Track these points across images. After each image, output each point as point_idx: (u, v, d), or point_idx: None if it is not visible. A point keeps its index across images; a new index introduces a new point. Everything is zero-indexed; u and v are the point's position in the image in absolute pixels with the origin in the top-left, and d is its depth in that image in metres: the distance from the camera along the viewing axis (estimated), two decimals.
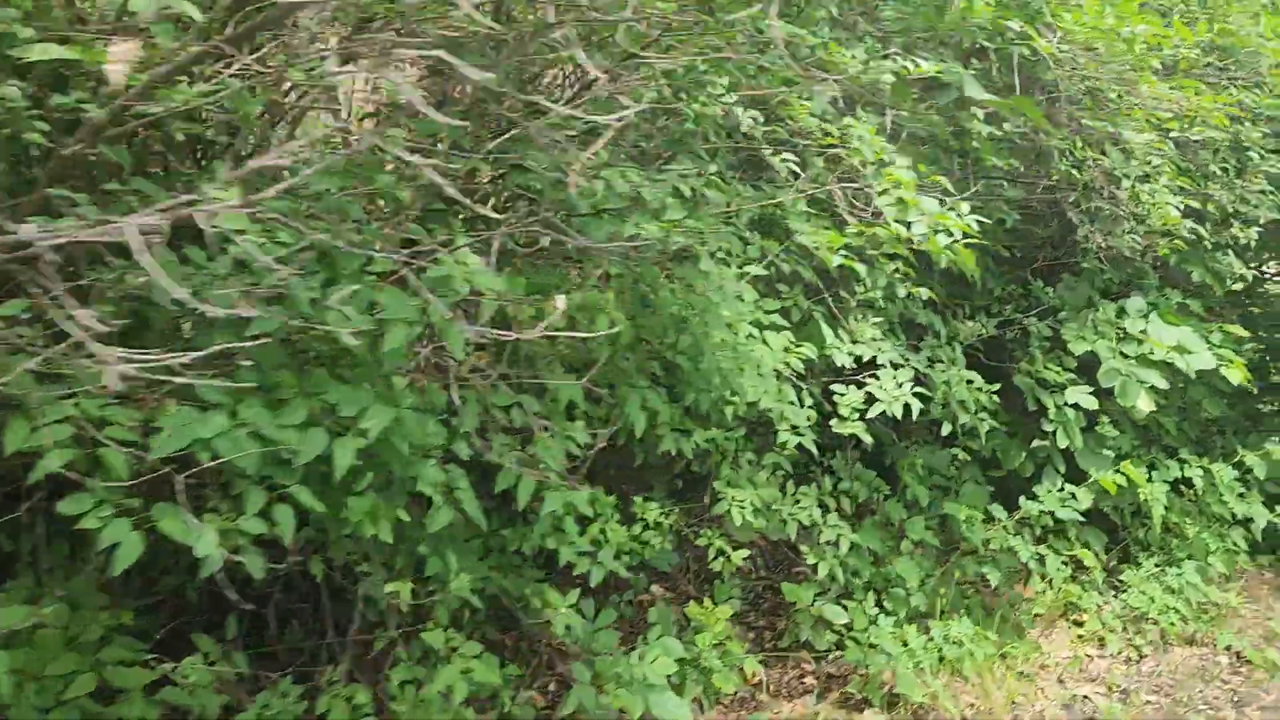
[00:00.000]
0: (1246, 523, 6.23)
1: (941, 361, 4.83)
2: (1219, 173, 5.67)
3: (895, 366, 4.15)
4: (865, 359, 4.13)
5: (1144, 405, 5.28)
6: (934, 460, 5.95)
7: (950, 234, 2.90)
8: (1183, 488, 6.47)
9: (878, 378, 4.07)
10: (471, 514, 2.75)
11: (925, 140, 4.07)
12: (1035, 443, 5.59)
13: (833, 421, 3.99)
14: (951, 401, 4.88)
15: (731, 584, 5.55)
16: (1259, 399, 8.49)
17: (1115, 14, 3.47)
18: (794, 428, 3.93)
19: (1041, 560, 5.28)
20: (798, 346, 3.84)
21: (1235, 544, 6.37)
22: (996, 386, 5.17)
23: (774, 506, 4.56)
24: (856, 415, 3.98)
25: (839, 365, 3.99)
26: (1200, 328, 6.17)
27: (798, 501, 4.65)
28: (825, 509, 4.77)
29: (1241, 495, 6.46)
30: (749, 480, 4.61)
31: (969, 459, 5.61)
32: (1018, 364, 5.58)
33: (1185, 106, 3.80)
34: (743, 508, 4.54)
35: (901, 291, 4.12)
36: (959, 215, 3.04)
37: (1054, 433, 5.40)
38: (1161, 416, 6.79)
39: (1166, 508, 6.41)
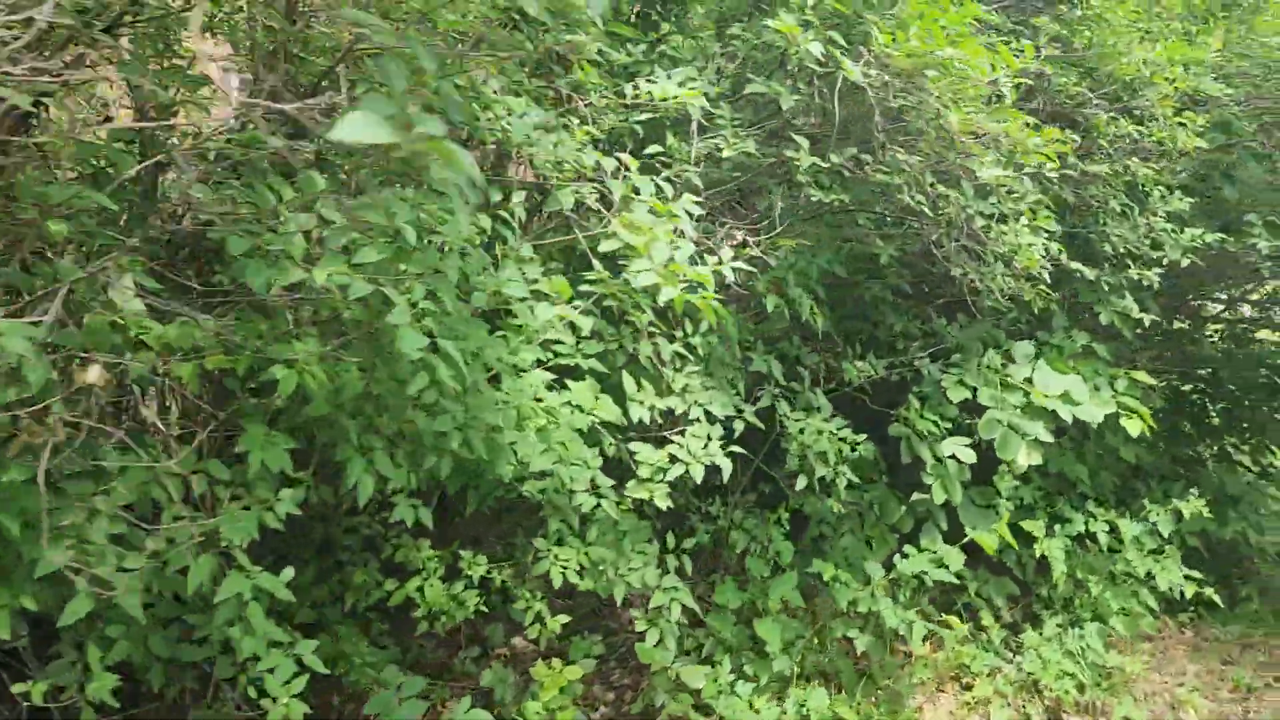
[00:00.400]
0: (1150, 580, 5.79)
1: (786, 410, 4.42)
2: (1120, 211, 5.28)
3: (712, 420, 3.74)
4: (679, 412, 3.72)
5: (1023, 460, 4.86)
6: (822, 510, 5.53)
7: (703, 285, 2.49)
8: (1089, 542, 6.06)
9: (684, 434, 3.66)
10: (122, 603, 2.35)
11: (752, 171, 3.70)
12: (915, 496, 5.18)
13: (629, 484, 3.58)
14: (809, 453, 4.47)
15: (592, 640, 5.14)
16: (1196, 443, 8.08)
17: (919, 36, 3.06)
18: (595, 488, 3.52)
19: (911, 626, 4.85)
20: (596, 399, 3.45)
21: (1145, 604, 5.94)
22: (862, 437, 4.76)
23: (602, 566, 4.15)
24: (660, 476, 3.57)
25: (638, 420, 3.58)
26: (1107, 373, 5.78)
27: (630, 562, 4.23)
28: (664, 568, 4.35)
29: (1155, 551, 6.04)
30: (576, 536, 4.20)
31: (843, 512, 5.20)
32: (895, 411, 5.17)
33: (1011, 141, 3.40)
34: (566, 567, 4.13)
35: (704, 340, 3.71)
36: (720, 262, 2.65)
37: (932, 486, 4.98)
38: (1074, 465, 6.39)
39: (1071, 564, 6.00)
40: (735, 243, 3.51)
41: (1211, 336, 7.66)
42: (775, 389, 4.27)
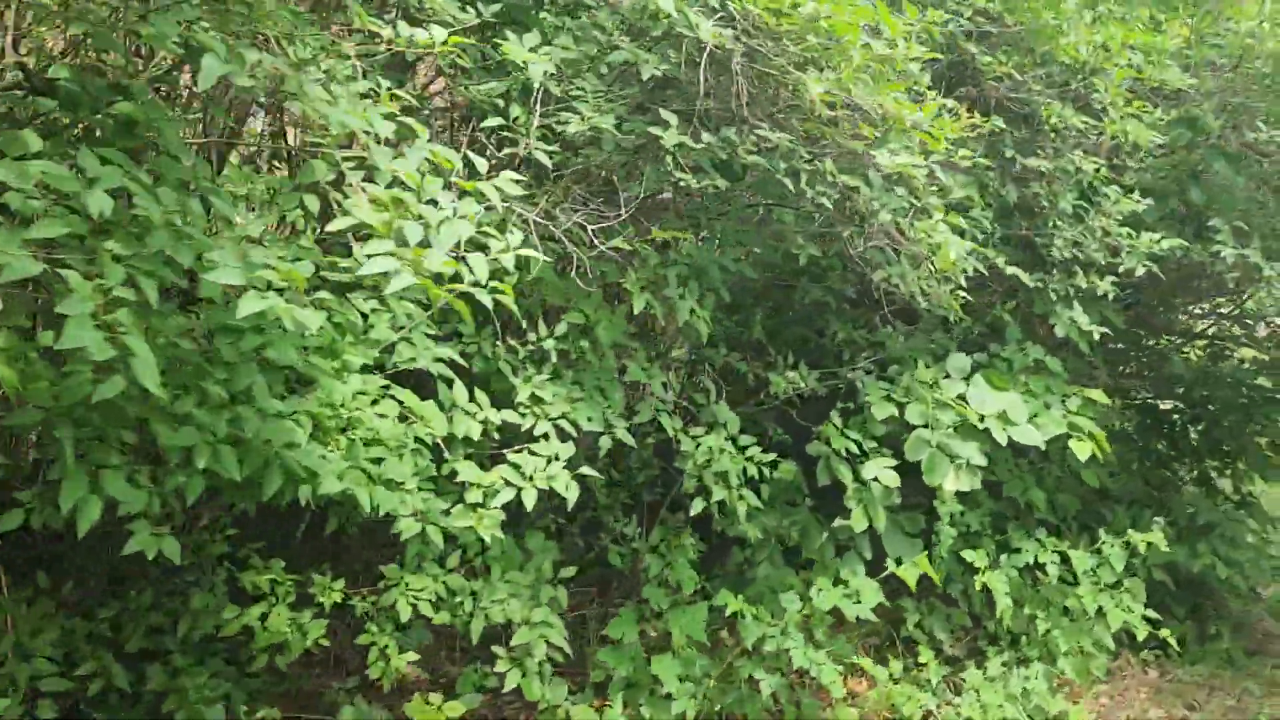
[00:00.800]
0: (1101, 616, 5.25)
1: (677, 425, 3.93)
2: (1073, 212, 4.78)
3: (565, 437, 3.24)
4: (525, 427, 3.23)
5: (951, 485, 4.34)
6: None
7: (455, 274, 2.00)
8: (1040, 574, 5.54)
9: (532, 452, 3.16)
10: None
11: (632, 153, 3.21)
12: (838, 522, 4.66)
13: (455, 510, 3.09)
14: (705, 474, 3.98)
15: (485, 670, 4.64)
16: (1172, 465, 7.54)
17: None
18: (421, 513, 3.03)
19: (822, 667, 4.33)
20: (414, 415, 2.97)
21: (1100, 643, 5.40)
22: (770, 457, 4.26)
23: (459, 597, 3.67)
24: (494, 499, 3.06)
25: (472, 434, 3.09)
26: (1060, 390, 5.27)
27: (494, 593, 3.74)
28: (537, 600, 3.85)
29: (1114, 585, 5.50)
30: (435, 562, 3.72)
31: (760, 538, 4.69)
32: (816, 429, 4.67)
33: (885, 114, 2.90)
34: (417, 598, 3.65)
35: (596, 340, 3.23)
36: (507, 249, 2.16)
37: (852, 512, 4.47)
38: (1031, 488, 5.88)
39: (1022, 597, 5.49)
40: (561, 228, 3.01)
41: (1187, 353, 7.11)
42: (659, 401, 3.77)
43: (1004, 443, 4.42)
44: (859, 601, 4.28)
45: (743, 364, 5.22)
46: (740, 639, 4.56)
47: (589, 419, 3.37)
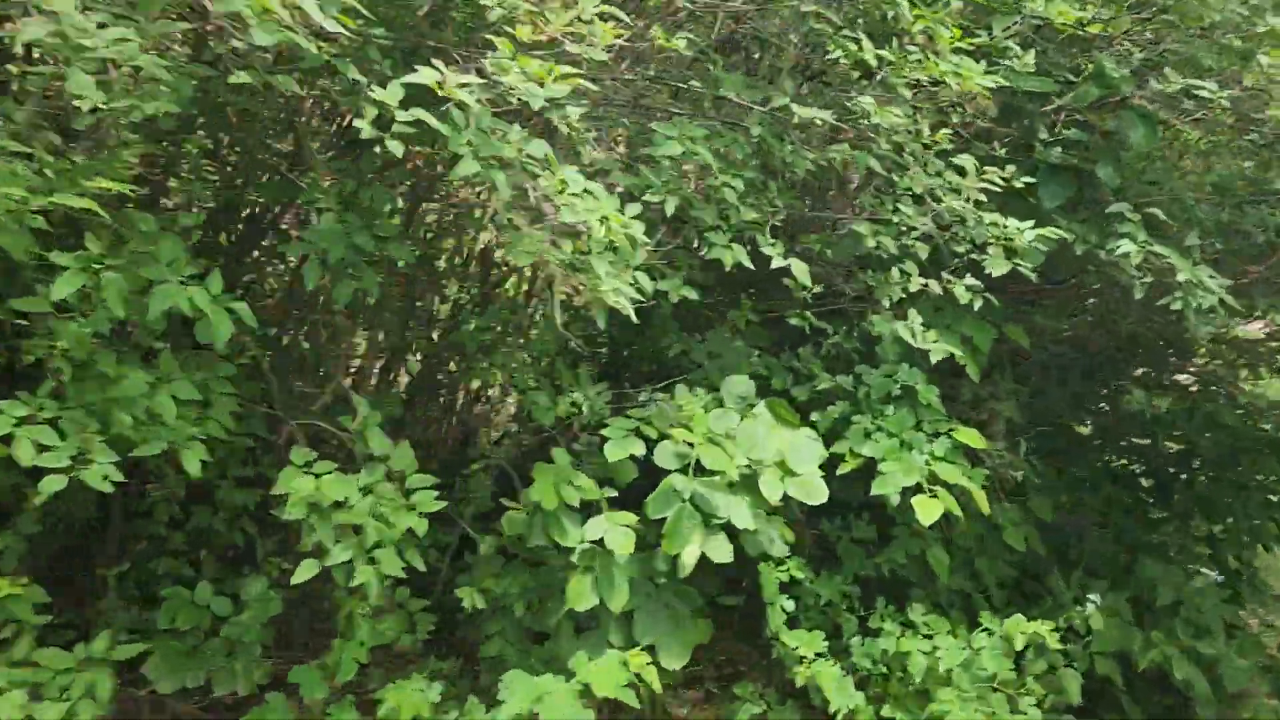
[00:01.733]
0: None
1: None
2: (924, 195, 3.46)
3: None
4: None
5: (692, 556, 3.07)
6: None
7: None
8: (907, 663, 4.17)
9: None
10: None
11: None
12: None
13: None
14: (319, 525, 2.84)
15: None
16: (1158, 523, 5.99)
17: None
18: None
19: None
20: None
21: None
22: (439, 505, 3.07)
23: None
24: None
25: None
26: (933, 427, 3.97)
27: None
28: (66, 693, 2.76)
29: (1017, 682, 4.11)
30: None
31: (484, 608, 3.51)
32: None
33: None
34: None
35: None
36: None
37: (568, 584, 3.23)
38: (934, 550, 4.54)
39: (877, 695, 4.15)
40: None
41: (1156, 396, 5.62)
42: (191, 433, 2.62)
43: (775, 499, 3.14)
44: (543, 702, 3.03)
45: (531, 381, 4.07)
46: None
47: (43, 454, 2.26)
